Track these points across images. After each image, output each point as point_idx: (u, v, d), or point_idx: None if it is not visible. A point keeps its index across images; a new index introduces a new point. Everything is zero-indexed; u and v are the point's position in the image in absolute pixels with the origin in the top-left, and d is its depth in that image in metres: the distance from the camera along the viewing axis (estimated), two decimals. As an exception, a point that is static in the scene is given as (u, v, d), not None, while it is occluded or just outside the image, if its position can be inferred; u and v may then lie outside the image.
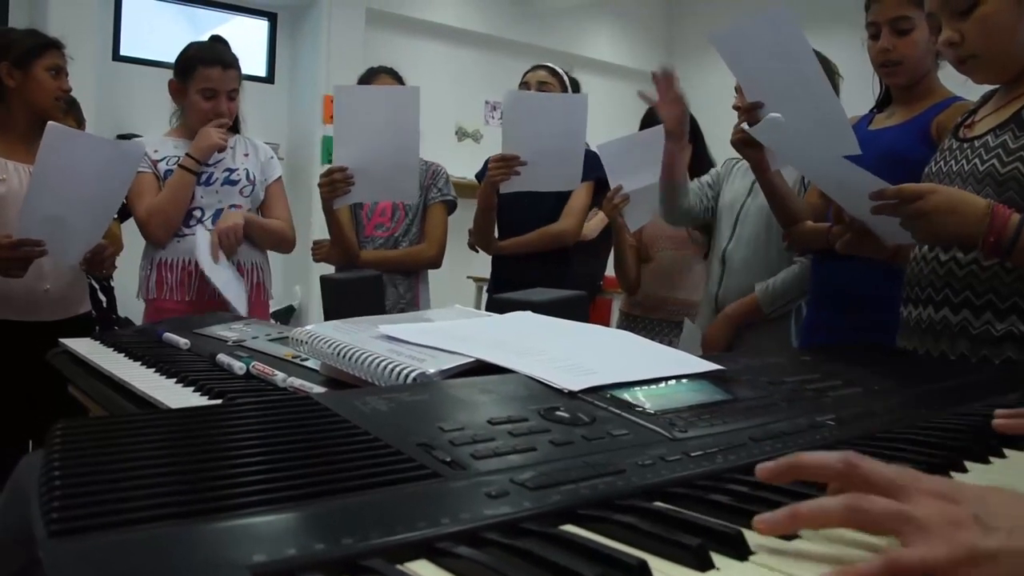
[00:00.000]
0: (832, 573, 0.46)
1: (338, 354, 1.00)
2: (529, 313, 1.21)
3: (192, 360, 1.31)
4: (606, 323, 5.87)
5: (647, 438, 0.71)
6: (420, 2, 7.53)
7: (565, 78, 2.93)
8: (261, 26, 7.18)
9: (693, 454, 0.68)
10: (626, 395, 0.82)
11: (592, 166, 2.92)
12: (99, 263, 2.34)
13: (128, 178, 2.25)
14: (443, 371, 0.89)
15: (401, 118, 2.39)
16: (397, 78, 2.85)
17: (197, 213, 2.47)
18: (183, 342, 1.43)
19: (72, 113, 3.52)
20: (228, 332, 1.51)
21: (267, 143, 2.77)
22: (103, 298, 3.38)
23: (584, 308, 1.42)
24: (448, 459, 0.60)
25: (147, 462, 0.56)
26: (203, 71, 2.47)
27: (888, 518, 0.49)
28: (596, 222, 3.40)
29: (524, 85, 2.84)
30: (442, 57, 7.67)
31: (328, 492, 0.52)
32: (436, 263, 2.85)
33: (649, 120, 2.74)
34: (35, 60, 2.37)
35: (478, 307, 6.42)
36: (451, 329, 1.08)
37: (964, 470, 0.72)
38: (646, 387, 0.86)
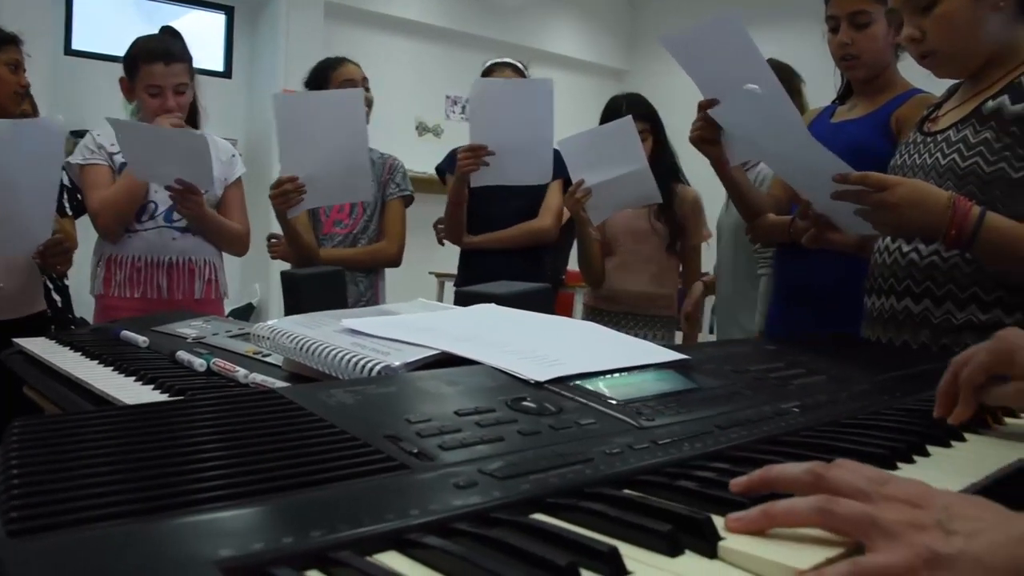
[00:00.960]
0: None
1: (301, 348, 0.99)
2: (494, 305, 1.21)
3: (151, 358, 1.29)
4: (569, 317, 5.89)
5: (614, 427, 0.71)
6: (379, -4, 7.48)
7: (527, 74, 2.93)
8: (218, 20, 7.09)
9: (660, 442, 0.69)
10: (592, 385, 0.82)
11: (562, 163, 2.93)
12: (55, 257, 2.26)
13: (56, 160, 2.14)
14: (408, 363, 0.88)
15: (346, 120, 2.34)
16: (356, 67, 2.83)
17: (151, 207, 2.42)
18: (141, 340, 1.41)
19: (28, 108, 3.45)
20: (187, 329, 1.49)
21: (225, 139, 2.73)
22: (57, 297, 3.31)
23: (549, 301, 1.42)
24: (415, 450, 0.59)
25: (108, 459, 0.55)
26: (146, 68, 2.41)
27: (854, 520, 0.50)
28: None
29: None
30: (402, 51, 7.63)
31: (295, 485, 0.51)
32: (397, 260, 2.82)
33: (610, 114, 2.75)
34: None
35: (440, 301, 6.41)
36: (415, 322, 1.08)
37: (926, 454, 0.73)
38: (612, 377, 0.86)
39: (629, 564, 0.46)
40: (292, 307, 1.76)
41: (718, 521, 0.52)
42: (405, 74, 7.22)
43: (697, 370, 0.94)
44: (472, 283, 2.86)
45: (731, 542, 0.50)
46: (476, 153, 2.56)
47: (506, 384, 0.79)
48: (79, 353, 1.36)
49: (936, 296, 1.45)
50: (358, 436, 0.61)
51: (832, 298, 1.99)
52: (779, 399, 0.87)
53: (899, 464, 0.69)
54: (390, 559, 0.46)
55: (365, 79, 2.80)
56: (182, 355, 1.22)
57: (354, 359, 0.90)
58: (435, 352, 0.90)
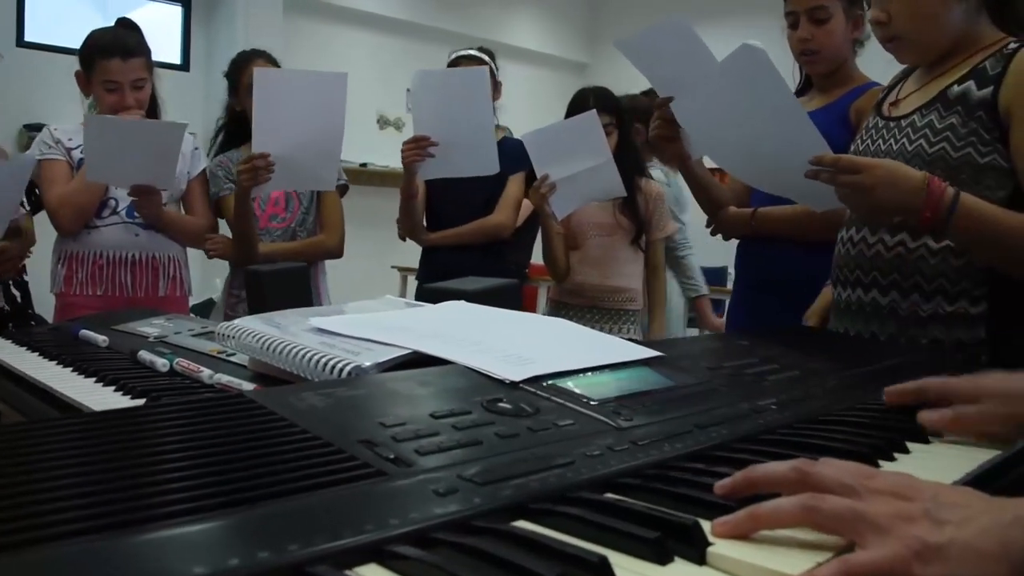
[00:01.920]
0: None
1: (268, 348, 0.96)
2: (463, 303, 1.19)
3: (111, 358, 1.25)
4: (533, 311, 5.88)
5: (593, 428, 0.70)
6: (340, -12, 7.41)
7: (495, 64, 2.91)
8: (175, 12, 6.97)
9: (640, 443, 0.67)
10: (568, 384, 0.80)
11: (523, 156, 2.91)
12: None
13: (18, 192, 2.11)
14: (379, 364, 0.86)
15: (326, 104, 2.29)
16: (272, 61, 2.72)
17: (112, 203, 2.37)
18: (101, 339, 1.37)
19: None
20: (149, 328, 1.45)
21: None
22: (16, 294, 3.23)
23: (517, 296, 1.41)
24: (392, 456, 0.57)
25: (71, 471, 0.52)
26: (102, 63, 2.34)
27: (841, 516, 0.50)
28: (521, 211, 3.40)
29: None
30: (363, 44, 7.57)
31: (269, 495, 0.49)
32: (338, 252, 2.75)
33: (577, 107, 2.73)
34: None
35: (404, 297, 6.37)
36: (384, 320, 1.06)
37: (906, 451, 0.72)
38: (587, 376, 0.85)
39: (618, 573, 0.44)
40: (257, 305, 1.73)
41: (705, 525, 0.51)
42: (366, 67, 7.15)
43: (672, 367, 0.93)
44: (433, 279, 2.86)
45: (720, 547, 0.49)
46: (419, 144, 2.54)
47: (481, 384, 0.77)
48: (37, 353, 1.32)
49: (903, 288, 1.46)
50: (331, 441, 0.59)
51: (793, 288, 2.00)
52: (756, 396, 0.86)
53: (881, 462, 0.68)
54: (371, 572, 0.44)
55: None
56: (144, 355, 1.18)
57: (323, 359, 0.88)
58: (406, 352, 0.88)
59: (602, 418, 0.72)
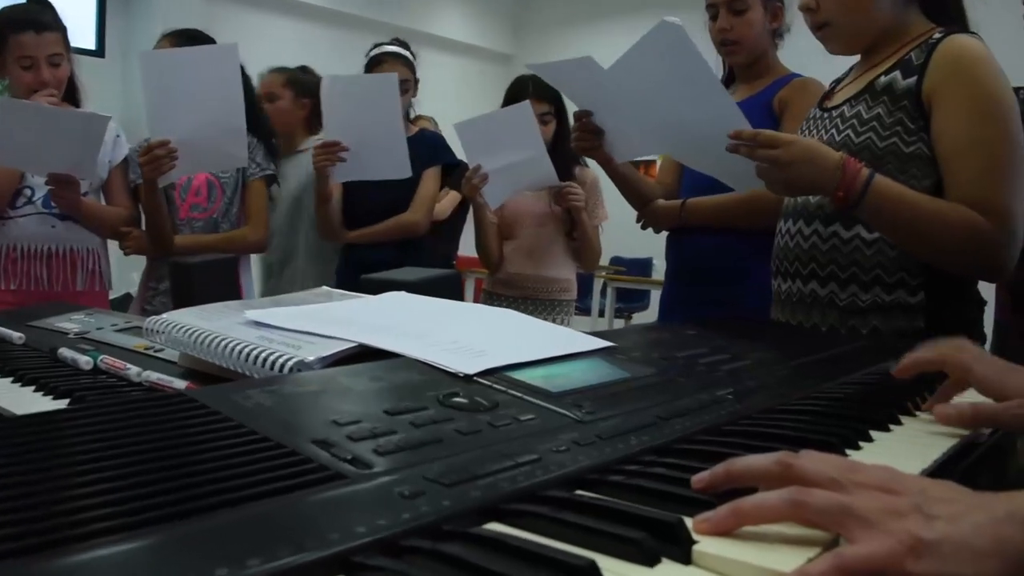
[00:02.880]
0: None
1: (202, 343, 0.91)
2: (404, 293, 1.15)
3: (29, 356, 1.18)
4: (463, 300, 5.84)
5: (555, 422, 0.67)
6: (261, -25, 7.26)
7: (415, 62, 2.87)
8: (88, -3, 6.73)
9: (605, 437, 0.65)
10: (524, 377, 0.77)
11: (439, 149, 2.89)
12: None
13: None
14: (323, 358, 0.82)
15: (220, 79, 2.17)
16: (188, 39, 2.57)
17: (27, 192, 2.25)
18: (16, 336, 1.29)
19: None
20: (68, 324, 1.37)
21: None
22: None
23: (458, 287, 1.37)
24: (349, 457, 0.54)
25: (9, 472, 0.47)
26: (15, 38, 2.22)
27: (829, 511, 0.48)
28: (448, 201, 3.36)
29: (371, 69, 2.77)
30: (288, 33, 7.43)
31: (221, 504, 0.45)
32: (262, 246, 2.68)
33: (515, 95, 2.71)
34: None
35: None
36: (324, 312, 1.01)
37: (870, 439, 0.71)
38: (542, 367, 0.82)
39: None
40: (182, 298, 1.66)
41: (688, 523, 0.48)
42: (290, 58, 6.98)
43: (625, 357, 0.91)
44: (352, 276, 2.82)
45: (705, 545, 0.46)
46: (330, 150, 2.50)
47: (434, 379, 0.74)
48: (-56, 352, 1.24)
49: (841, 279, 1.47)
50: (283, 443, 0.55)
51: (723, 279, 2.02)
52: (712, 386, 0.84)
53: (847, 451, 0.67)
54: (339, 587, 0.40)
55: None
56: (65, 352, 1.11)
57: (263, 354, 0.83)
58: (351, 345, 0.84)
59: (563, 411, 0.69)
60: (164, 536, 0.41)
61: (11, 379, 1.03)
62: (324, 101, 2.52)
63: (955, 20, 1.50)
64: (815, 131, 1.56)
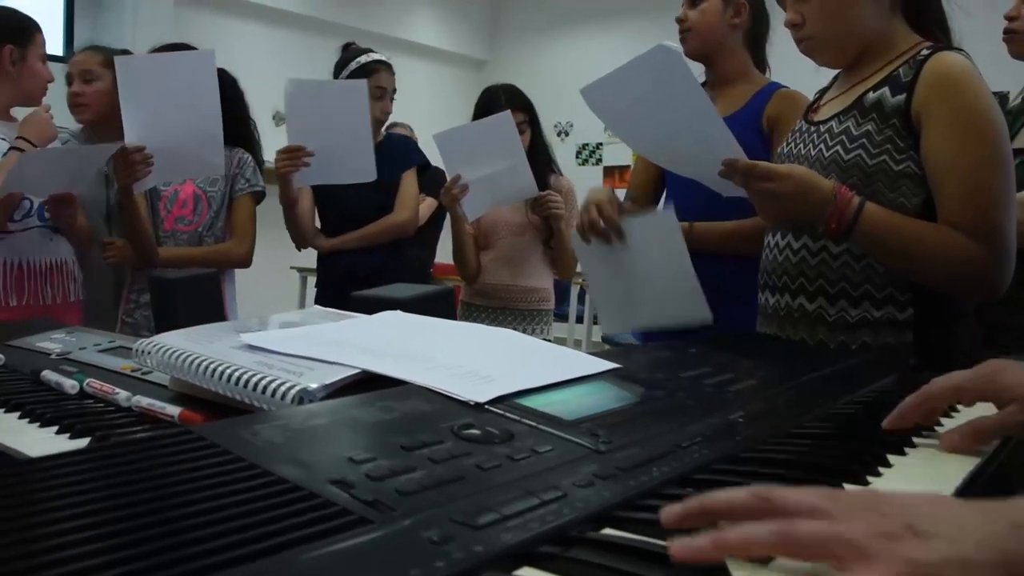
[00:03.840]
0: None
1: (196, 369, 0.88)
2: (400, 313, 1.13)
3: (11, 379, 1.14)
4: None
5: (574, 453, 0.65)
6: (232, -20, 7.20)
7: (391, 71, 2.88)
8: (55, 1, 6.63)
9: (626, 468, 0.63)
10: (535, 404, 0.75)
11: (410, 152, 2.89)
12: None
13: None
14: (326, 385, 0.79)
15: (196, 85, 2.17)
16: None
17: (26, 204, 2.21)
18: (-4, 357, 1.25)
19: None
20: (49, 344, 1.33)
21: (62, 128, 2.51)
22: None
23: (451, 304, 1.35)
24: (371, 499, 0.51)
25: (4, 537, 0.44)
26: (39, 36, 2.32)
27: (820, 541, 0.45)
28: (424, 208, 3.35)
29: (379, 90, 2.76)
30: (259, 38, 7.37)
31: (243, 558, 0.43)
32: (246, 262, 2.65)
33: (486, 105, 2.69)
34: None
35: (303, 298, 6.21)
36: (321, 334, 0.99)
37: (888, 464, 0.70)
38: (551, 393, 0.80)
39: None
40: (163, 314, 1.63)
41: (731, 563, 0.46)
42: (262, 63, 6.95)
43: (632, 380, 0.89)
44: (334, 283, 2.80)
45: None
46: (293, 155, 2.49)
47: (444, 408, 0.72)
48: (-79, 375, 1.20)
49: (830, 294, 1.47)
50: (302, 484, 0.52)
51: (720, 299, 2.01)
52: (723, 409, 0.83)
53: (868, 478, 0.66)
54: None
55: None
56: (49, 375, 1.08)
57: (263, 381, 0.80)
58: (355, 371, 0.82)
59: (580, 441, 0.67)
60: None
61: (-6, 406, 1.00)
62: (288, 104, 2.49)
63: (938, 30, 1.50)
64: (802, 144, 1.55)
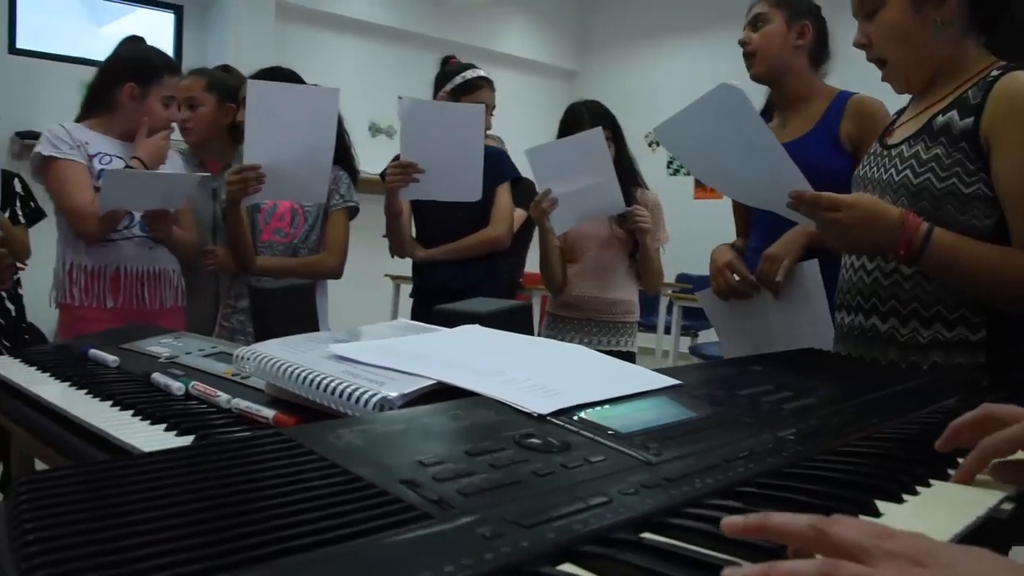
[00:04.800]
0: None
1: (289, 376, 0.97)
2: (478, 327, 1.20)
3: (123, 380, 1.25)
4: (529, 320, 5.89)
5: (624, 463, 0.71)
6: (331, -5, 7.42)
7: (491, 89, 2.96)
8: (166, 19, 6.97)
9: (671, 479, 0.68)
10: (594, 417, 0.81)
11: (504, 165, 2.95)
12: None
13: None
14: (405, 394, 0.87)
15: (318, 118, 2.32)
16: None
17: (126, 218, 2.38)
18: (112, 359, 1.37)
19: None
20: (159, 348, 1.45)
21: (176, 141, 2.68)
22: (11, 306, 3.23)
23: (528, 318, 1.42)
24: (435, 498, 0.58)
25: (116, 518, 0.52)
26: (169, 79, 2.48)
27: None
28: (515, 219, 3.42)
29: (465, 91, 2.84)
30: (354, 51, 7.59)
31: (321, 543, 0.50)
32: (337, 273, 2.75)
33: (570, 122, 2.75)
34: None
35: (396, 306, 6.37)
36: (404, 347, 1.06)
37: (928, 485, 0.74)
38: (611, 407, 0.86)
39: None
40: (260, 322, 1.73)
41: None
42: (357, 75, 7.17)
43: (690, 396, 0.94)
44: (427, 293, 2.89)
45: None
46: (406, 170, 2.59)
47: (510, 418, 0.78)
48: (48, 374, 1.33)
49: (902, 315, 1.48)
50: (375, 482, 0.60)
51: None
52: (776, 426, 0.87)
53: (905, 497, 0.70)
54: (433, 623, 0.45)
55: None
56: (158, 378, 1.18)
57: (348, 389, 0.88)
58: (431, 382, 0.89)
59: (632, 453, 0.73)
60: (265, 572, 0.46)
61: (110, 403, 1.10)
62: (403, 122, 2.60)
63: (1019, 52, 1.49)
64: (875, 168, 1.56)
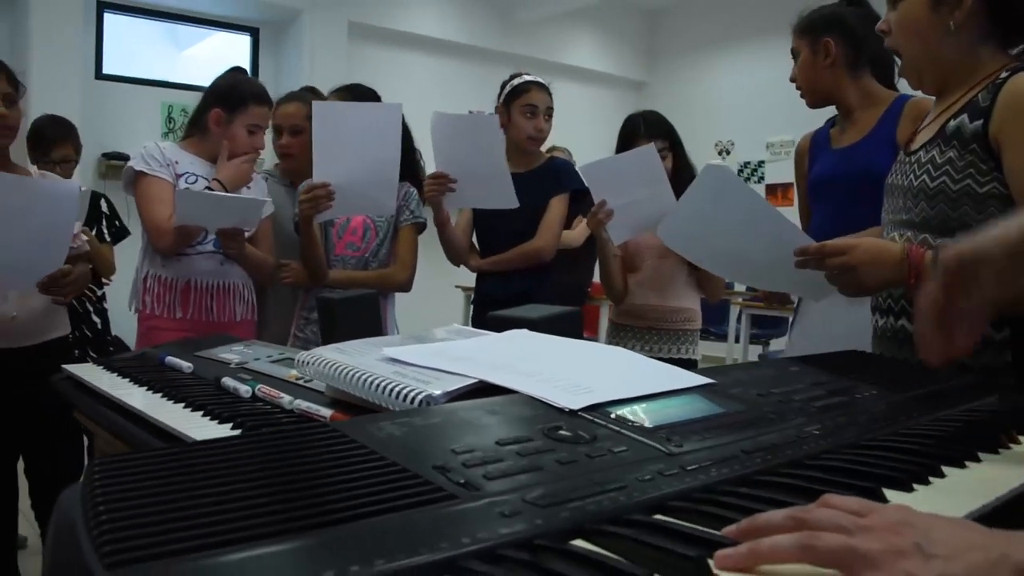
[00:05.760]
0: None
1: (344, 377, 1.04)
2: (526, 331, 1.25)
3: (196, 384, 1.34)
4: (596, 330, 5.92)
5: (645, 453, 0.76)
6: (402, 14, 7.58)
7: (550, 90, 3.01)
8: (243, 41, 7.21)
9: (689, 468, 0.73)
10: (623, 412, 0.86)
11: (566, 176, 2.99)
12: (59, 288, 2.29)
13: (70, 219, 2.25)
14: (448, 392, 0.93)
15: (382, 133, 2.41)
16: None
17: (200, 235, 2.50)
18: (186, 366, 1.46)
19: (70, 137, 3.55)
20: (229, 355, 1.54)
21: (262, 162, 2.81)
22: (97, 320, 3.41)
23: (577, 323, 1.47)
24: (462, 480, 0.64)
25: (181, 494, 0.59)
26: (255, 108, 2.60)
27: (835, 552, 0.53)
28: (581, 230, 3.45)
29: (530, 108, 2.90)
30: (425, 68, 7.73)
31: (357, 517, 0.56)
32: (406, 287, 2.84)
33: (627, 133, 2.79)
34: None
35: (466, 316, 6.47)
36: (452, 350, 1.13)
37: (942, 475, 0.77)
38: (642, 403, 0.90)
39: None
40: (328, 329, 1.82)
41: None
42: (428, 91, 7.30)
43: (722, 394, 0.98)
44: (484, 302, 2.95)
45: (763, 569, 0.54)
46: (439, 182, 2.67)
47: (542, 413, 0.84)
48: (128, 380, 1.42)
49: None
50: (408, 467, 0.66)
51: None
52: (801, 422, 0.91)
53: (915, 486, 0.73)
54: (446, 585, 0.51)
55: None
56: (228, 382, 1.27)
57: (396, 388, 0.95)
58: (473, 381, 0.95)
59: (654, 444, 0.78)
60: (308, 540, 0.52)
61: (183, 405, 1.19)
62: (432, 136, 2.69)
63: None
64: (899, 175, 1.59)
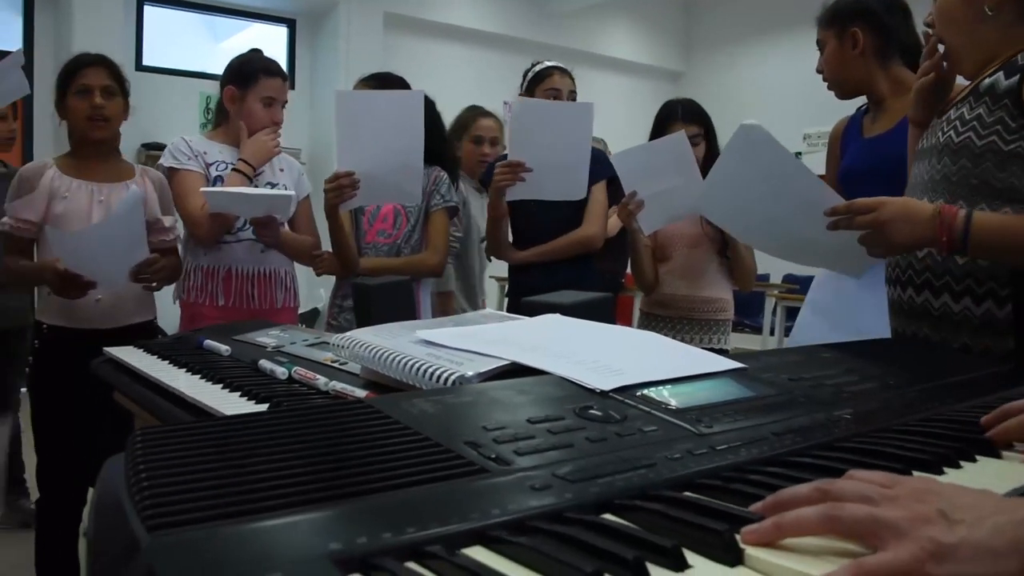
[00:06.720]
0: None
1: (379, 359, 1.05)
2: (558, 316, 1.26)
3: (234, 366, 1.37)
4: (629, 320, 5.91)
5: (675, 433, 0.76)
6: (437, 5, 7.61)
7: (572, 76, 2.99)
8: (280, 32, 7.28)
9: (718, 448, 0.74)
10: (654, 393, 0.87)
11: (602, 164, 2.98)
12: (147, 276, 2.37)
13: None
14: (480, 373, 0.94)
15: (404, 121, 2.41)
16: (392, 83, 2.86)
17: (238, 221, 2.54)
18: (224, 348, 1.49)
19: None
20: (267, 338, 1.56)
21: (288, 148, 2.83)
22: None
23: (609, 309, 1.47)
24: (493, 456, 0.65)
25: (221, 463, 0.61)
26: (265, 80, 2.60)
27: (860, 522, 0.53)
28: (614, 221, 3.44)
29: (553, 91, 2.88)
30: (460, 59, 7.74)
31: (389, 487, 0.58)
32: (438, 271, 2.85)
33: (664, 118, 2.78)
34: None
35: (500, 307, 6.49)
36: (485, 333, 1.14)
37: (973, 461, 0.77)
38: (672, 385, 0.91)
39: (689, 560, 0.51)
40: (363, 315, 1.84)
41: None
42: (463, 81, 7.32)
43: (754, 378, 0.99)
44: (521, 293, 2.93)
45: (756, 551, 0.54)
46: (514, 169, 2.64)
47: (573, 393, 0.85)
48: (167, 361, 1.45)
49: (935, 287, 1.50)
50: (440, 442, 0.67)
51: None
52: (832, 406, 0.91)
53: (946, 469, 0.73)
54: (476, 553, 0.52)
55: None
56: (264, 364, 1.29)
57: (430, 369, 0.96)
58: (505, 362, 0.96)
59: (684, 425, 0.78)
60: (343, 508, 0.54)
61: (220, 386, 1.22)
62: (513, 122, 2.68)
63: None
64: (927, 139, 1.58)
